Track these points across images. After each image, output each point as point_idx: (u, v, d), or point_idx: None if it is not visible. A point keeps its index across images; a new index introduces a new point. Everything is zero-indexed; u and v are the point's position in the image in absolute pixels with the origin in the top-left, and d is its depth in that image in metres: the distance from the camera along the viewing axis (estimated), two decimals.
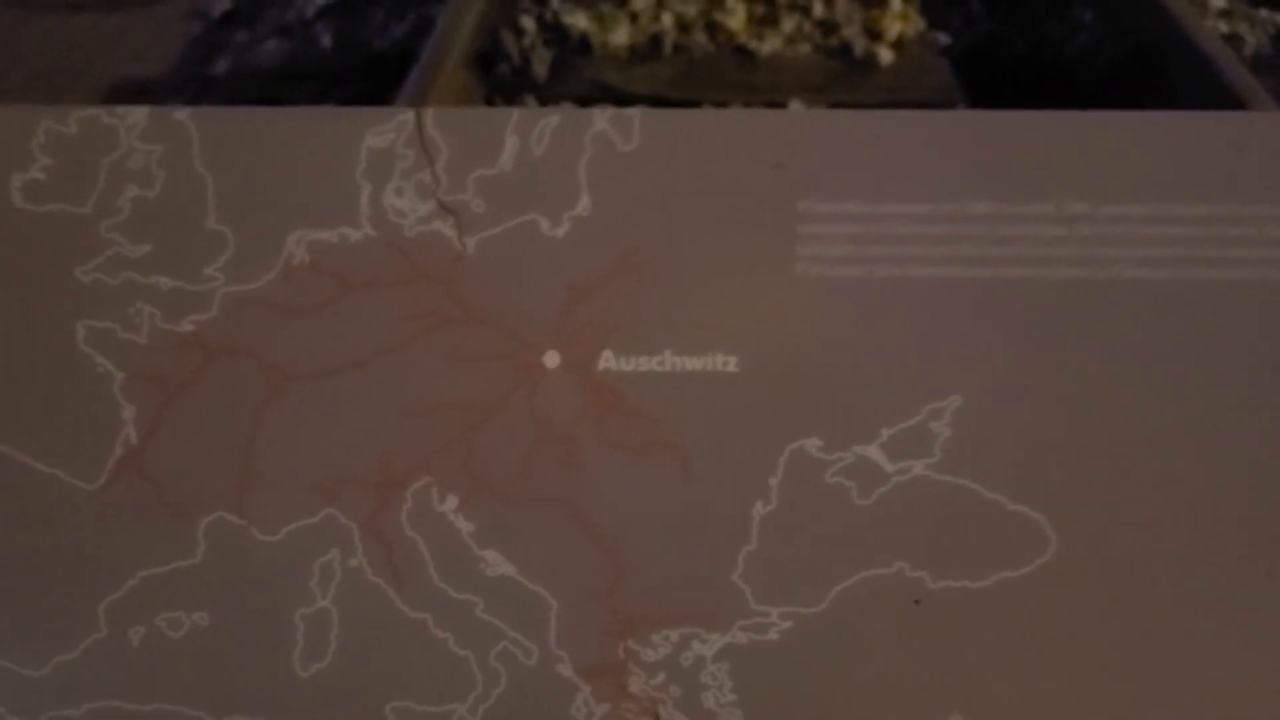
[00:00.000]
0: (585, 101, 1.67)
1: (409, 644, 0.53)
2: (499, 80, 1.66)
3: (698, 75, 1.72)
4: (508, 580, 0.53)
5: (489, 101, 1.66)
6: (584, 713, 0.52)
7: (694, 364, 0.51)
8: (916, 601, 0.51)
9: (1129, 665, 0.53)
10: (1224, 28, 1.72)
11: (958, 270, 0.50)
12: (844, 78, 1.70)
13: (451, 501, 0.53)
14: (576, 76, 1.71)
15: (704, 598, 0.53)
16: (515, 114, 0.49)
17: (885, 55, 1.71)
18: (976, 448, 0.52)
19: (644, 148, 0.49)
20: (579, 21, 1.83)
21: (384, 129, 0.50)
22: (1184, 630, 0.52)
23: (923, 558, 0.53)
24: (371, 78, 1.61)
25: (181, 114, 0.52)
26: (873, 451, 0.52)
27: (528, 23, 1.81)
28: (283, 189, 0.51)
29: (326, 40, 1.78)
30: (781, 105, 1.67)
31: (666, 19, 1.88)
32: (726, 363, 0.51)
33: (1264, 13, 1.78)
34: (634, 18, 1.90)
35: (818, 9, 1.89)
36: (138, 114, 0.53)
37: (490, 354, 0.51)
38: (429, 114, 0.49)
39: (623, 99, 1.67)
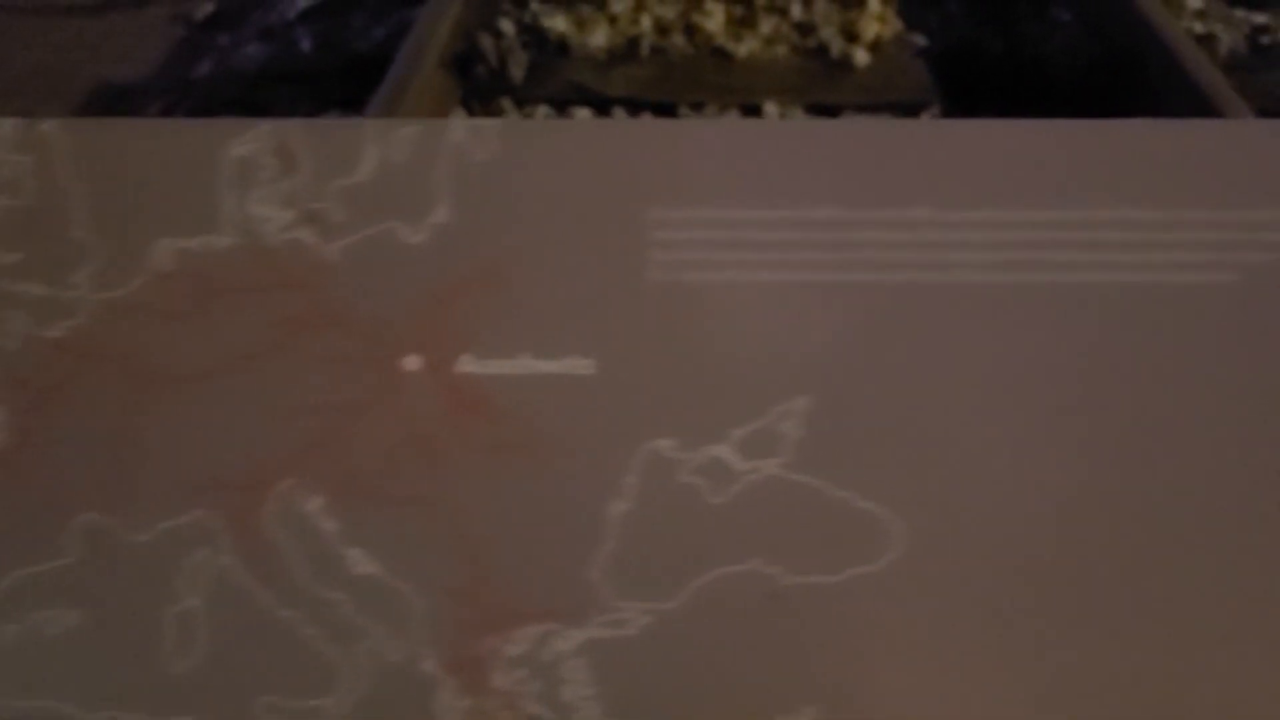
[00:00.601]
0: (562, 104, 1.68)
1: (277, 641, 0.54)
2: (476, 83, 1.67)
3: (674, 77, 1.72)
4: (372, 578, 0.53)
5: (465, 104, 1.67)
6: (447, 707, 0.53)
7: (551, 367, 0.52)
8: (771, 597, 0.51)
9: (982, 655, 0.53)
10: (1199, 28, 1.72)
11: (806, 274, 0.51)
12: (820, 79, 1.71)
13: (317, 502, 0.54)
14: (554, 79, 1.72)
15: (563, 594, 0.54)
16: (374, 125, 0.50)
17: (861, 57, 1.71)
18: (825, 447, 0.53)
19: (501, 158, 0.50)
20: (558, 24, 1.83)
21: (247, 139, 0.51)
22: (1036, 618, 0.53)
23: (777, 554, 0.53)
24: (351, 80, 1.62)
25: (49, 125, 0.53)
26: (725, 451, 0.53)
27: (506, 26, 1.82)
28: (149, 198, 0.52)
29: (306, 43, 1.80)
30: (757, 107, 1.67)
31: (645, 21, 1.89)
32: (582, 365, 0.52)
33: (1239, 12, 1.77)
34: (613, 20, 1.91)
35: (796, 11, 1.89)
36: (6, 125, 0.54)
37: (353, 358, 0.52)
38: (291, 125, 0.51)
39: (600, 101, 1.68)
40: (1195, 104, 1.39)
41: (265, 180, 0.51)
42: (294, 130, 0.51)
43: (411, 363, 0.52)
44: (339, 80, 1.69)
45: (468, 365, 0.52)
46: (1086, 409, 0.50)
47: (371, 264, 0.51)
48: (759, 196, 0.50)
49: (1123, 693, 0.51)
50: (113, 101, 1.68)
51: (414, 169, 0.50)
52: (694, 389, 0.52)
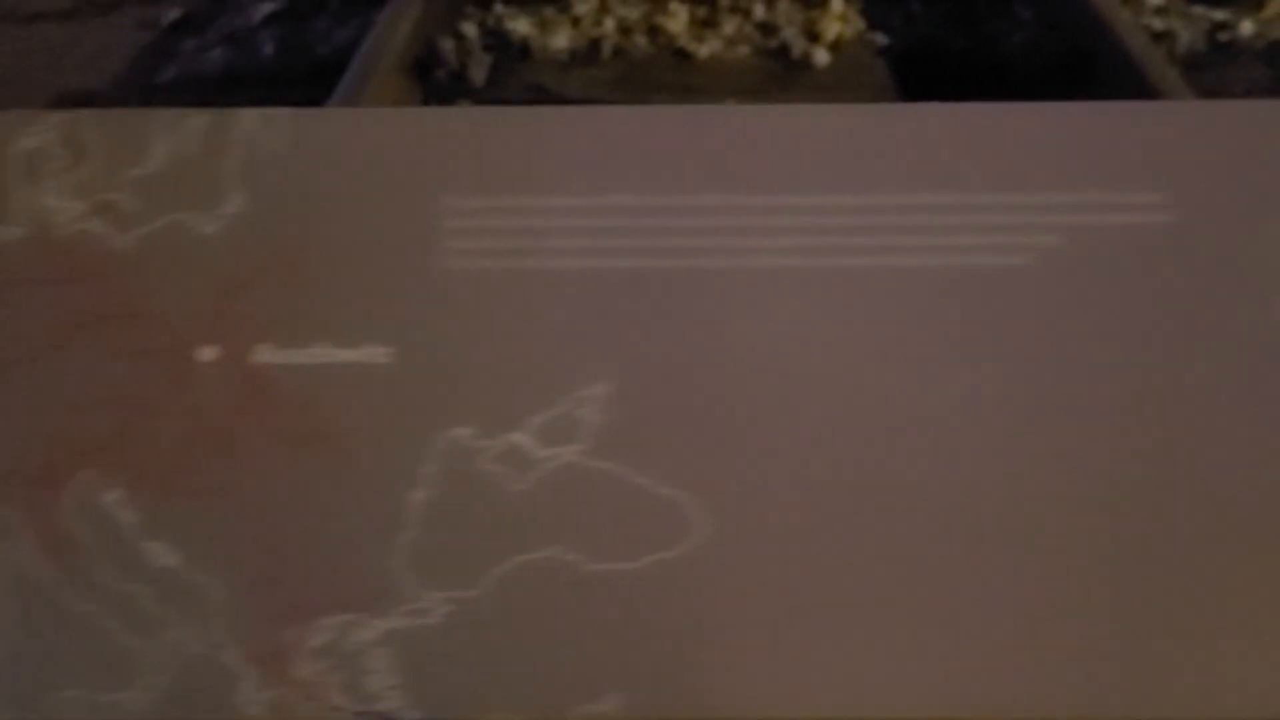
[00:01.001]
0: (522, 105, 1.68)
1: (78, 634, 0.54)
2: (436, 85, 1.68)
3: (635, 78, 1.73)
4: (172, 570, 0.53)
5: (426, 106, 1.68)
6: (249, 699, 0.53)
7: (348, 356, 0.52)
8: (571, 584, 0.51)
9: (782, 640, 0.53)
10: (1159, 24, 1.72)
11: (601, 261, 0.51)
12: (780, 79, 1.71)
13: (115, 494, 0.53)
14: (515, 80, 1.73)
15: (365, 584, 0.54)
16: (164, 115, 0.50)
17: (821, 57, 1.72)
18: (625, 433, 0.53)
19: (295, 148, 0.51)
20: (520, 26, 1.84)
21: (36, 131, 0.51)
22: (836, 603, 0.53)
23: (577, 541, 0.53)
24: (313, 83, 1.63)
25: None
26: (523, 439, 0.53)
27: (469, 28, 1.83)
28: None
29: (269, 47, 1.80)
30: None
31: (609, 23, 1.89)
32: (380, 354, 0.52)
33: (1199, 9, 1.77)
34: (576, 22, 1.92)
35: (758, 11, 1.90)
36: None
37: (148, 349, 0.51)
38: (81, 115, 0.51)
39: (560, 102, 1.68)
40: (1147, 99, 1.39)
41: (56, 171, 0.51)
42: (84, 121, 0.51)
43: (207, 353, 0.52)
44: (301, 84, 1.69)
45: (265, 355, 0.52)
46: (883, 391, 0.50)
47: (165, 255, 0.51)
48: (554, 184, 0.50)
49: (926, 676, 0.51)
50: (75, 107, 1.69)
51: (205, 159, 0.50)
52: (492, 376, 0.52)
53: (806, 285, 0.51)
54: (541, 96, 1.69)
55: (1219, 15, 1.75)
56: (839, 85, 1.68)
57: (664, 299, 0.51)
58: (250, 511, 0.52)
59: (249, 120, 0.51)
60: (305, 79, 1.69)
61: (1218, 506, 0.50)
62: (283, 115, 0.51)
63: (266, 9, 1.90)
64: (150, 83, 1.75)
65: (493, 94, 1.69)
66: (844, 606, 0.52)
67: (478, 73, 1.70)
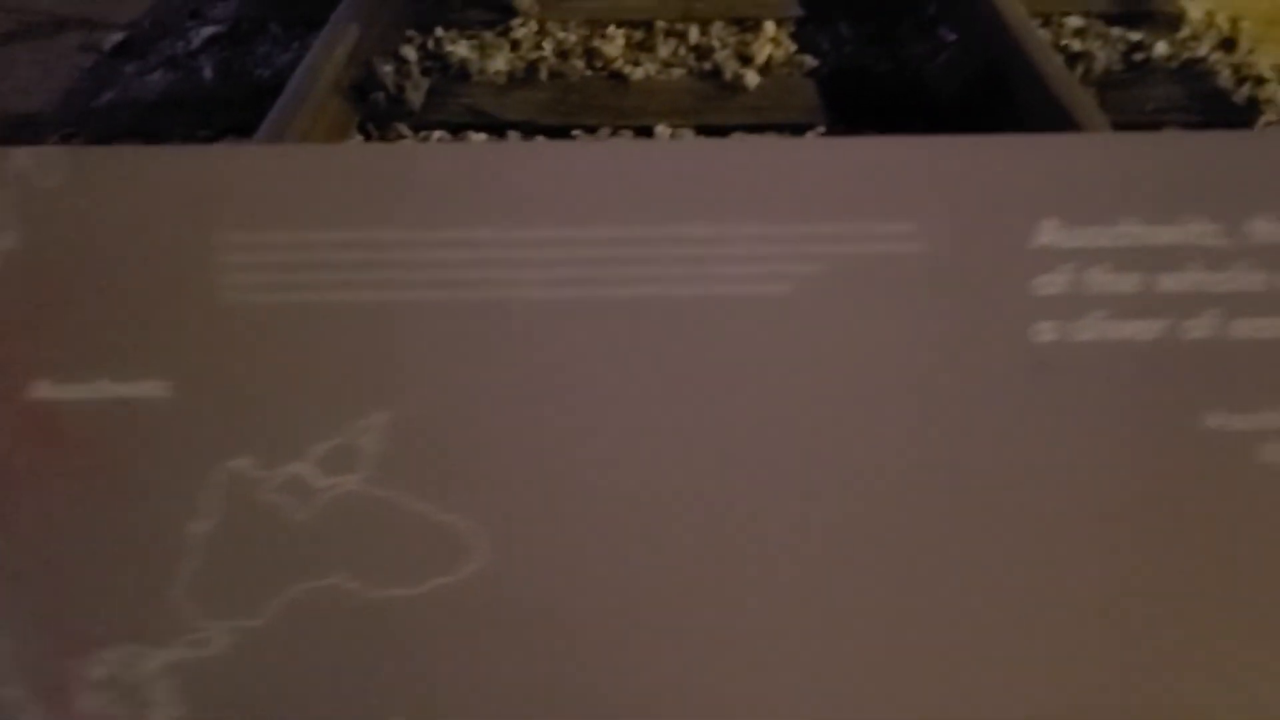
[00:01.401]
0: (459, 128, 1.71)
1: None
2: (373, 109, 1.70)
3: (571, 100, 1.76)
4: None
5: (362, 130, 1.70)
6: None
7: (127, 390, 0.53)
8: (353, 610, 0.53)
9: (559, 662, 0.55)
10: (1077, 45, 1.77)
11: (376, 294, 0.53)
12: (712, 101, 1.75)
13: None
14: (452, 104, 1.75)
15: (146, 616, 0.54)
16: None
17: (752, 79, 1.76)
18: (404, 461, 0.54)
19: (69, 184, 0.51)
20: (460, 50, 1.87)
21: None
22: (620, 628, 0.55)
23: (359, 568, 0.54)
24: (251, 106, 1.64)
25: None
26: (304, 468, 0.54)
27: (409, 52, 1.85)
28: None
29: (208, 71, 1.82)
30: (649, 129, 1.71)
31: (547, 46, 1.93)
32: (159, 388, 0.53)
33: (1116, 30, 1.83)
34: (515, 46, 1.95)
35: (693, 35, 1.94)
36: None
37: None
38: None
39: (497, 125, 1.71)
40: (1057, 119, 1.44)
41: None
42: None
43: None
44: (239, 107, 1.71)
45: (42, 391, 0.53)
46: (652, 417, 0.52)
47: None
48: (326, 219, 0.51)
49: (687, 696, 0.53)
50: (12, 131, 1.69)
51: None
52: (272, 408, 0.53)
53: (575, 316, 0.52)
54: (479, 119, 1.71)
55: (1135, 36, 1.81)
56: (769, 106, 1.72)
57: (440, 329, 0.52)
58: (30, 545, 0.53)
59: (21, 158, 0.52)
60: (243, 102, 1.71)
61: (971, 526, 0.54)
62: (56, 153, 0.52)
63: (207, 33, 1.92)
64: (88, 107, 1.76)
65: (430, 117, 1.71)
66: (625, 627, 0.54)
67: (415, 96, 1.73)
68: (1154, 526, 0.54)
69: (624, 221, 0.52)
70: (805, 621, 0.54)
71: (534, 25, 1.95)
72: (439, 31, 1.92)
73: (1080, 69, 1.71)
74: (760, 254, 0.51)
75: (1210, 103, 1.63)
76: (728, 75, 1.77)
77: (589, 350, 0.53)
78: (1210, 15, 1.92)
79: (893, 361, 0.53)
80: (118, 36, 1.98)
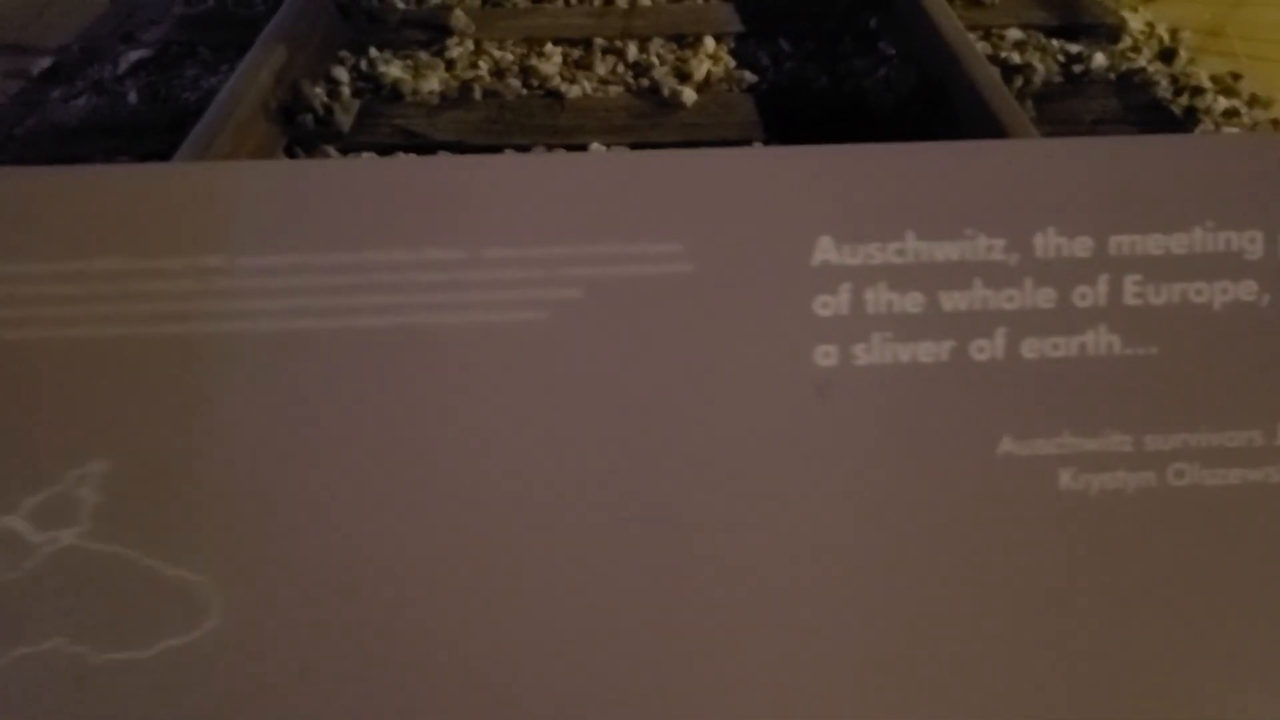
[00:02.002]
0: (389, 150, 1.67)
1: None
2: (301, 131, 1.66)
3: (505, 120, 1.73)
4: None
5: (289, 152, 1.66)
6: None
7: None
8: (78, 677, 0.48)
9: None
10: (1017, 58, 1.76)
11: (92, 329, 0.48)
12: (648, 118, 1.72)
13: None
14: (384, 125, 1.72)
15: None
16: None
17: (689, 95, 1.73)
18: (129, 512, 0.49)
19: None
20: (393, 70, 1.83)
21: None
22: (370, 687, 0.50)
23: (83, 630, 0.49)
24: (175, 131, 1.60)
25: None
26: (17, 523, 0.49)
27: (340, 73, 1.82)
28: None
29: (134, 95, 1.78)
30: (583, 148, 1.68)
31: (483, 65, 1.90)
32: None
33: (1056, 42, 1.82)
34: (450, 65, 1.92)
35: (632, 52, 1.91)
36: None
37: None
38: None
39: (428, 146, 1.67)
40: (992, 131, 1.42)
41: None
42: None
43: None
44: (162, 131, 1.66)
45: None
46: (394, 461, 0.48)
47: None
48: (54, 250, 0.47)
49: None
50: None
51: None
52: None
53: (311, 349, 0.48)
54: (410, 141, 1.68)
55: (1074, 48, 1.79)
56: (707, 123, 1.69)
57: (163, 368, 0.48)
58: None
59: None
60: (167, 127, 1.66)
61: (751, 559, 0.50)
62: None
63: (134, 57, 1.88)
64: (8, 134, 1.71)
65: (359, 139, 1.68)
66: (377, 688, 0.50)
67: (344, 117, 1.69)
68: (945, 561, 0.51)
69: (361, 246, 0.47)
70: (541, 676, 0.49)
71: (470, 44, 1.92)
72: (373, 52, 1.88)
73: (1019, 81, 1.69)
74: (511, 278, 0.47)
75: (1148, 114, 1.62)
76: (665, 92, 1.74)
77: (327, 386, 0.48)
78: (1151, 26, 1.91)
79: (658, 392, 0.49)
80: (46, 62, 1.94)
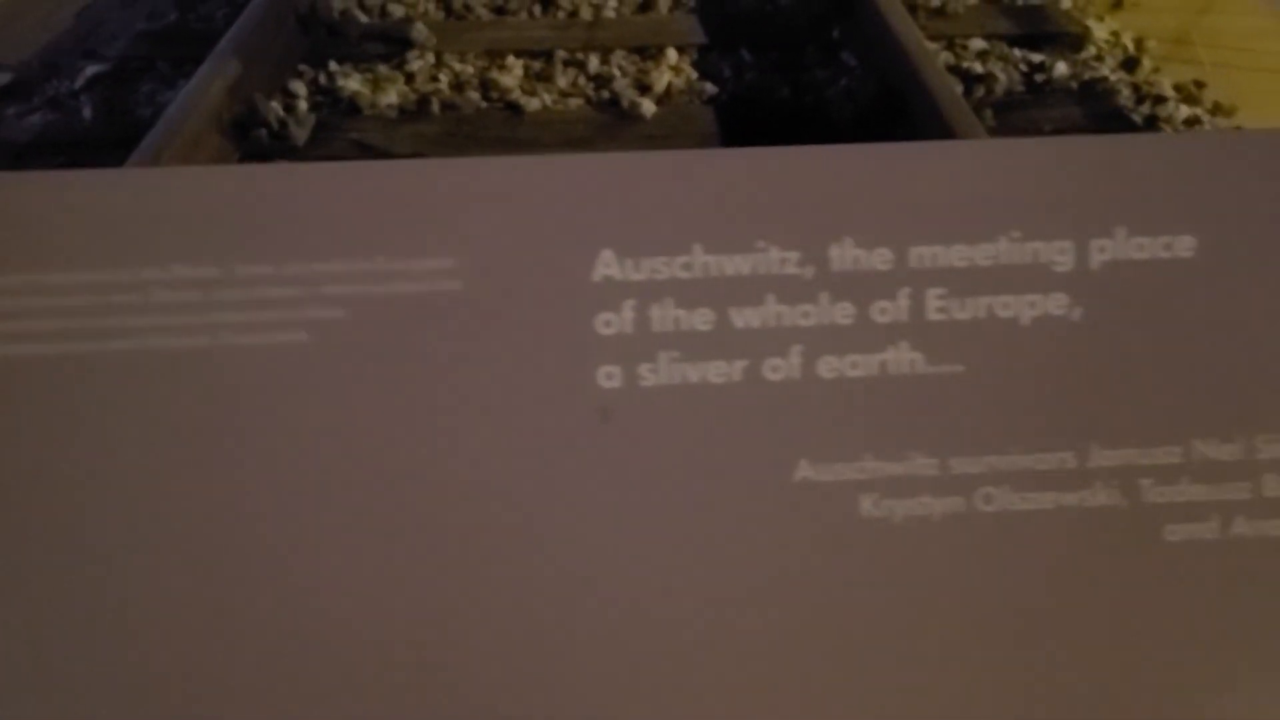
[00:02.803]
0: (345, 161, 1.65)
1: None
2: (255, 145, 1.65)
3: (463, 132, 1.71)
4: None
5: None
6: None
7: None
8: None
9: None
10: (980, 68, 1.74)
11: None
12: (607, 130, 1.70)
13: None
14: (340, 139, 1.70)
15: None
16: None
17: (648, 107, 1.72)
18: None
19: None
20: (351, 84, 1.82)
21: None
22: None
23: None
24: (129, 145, 1.58)
25: None
26: None
27: (298, 86, 1.80)
28: None
29: (88, 111, 1.76)
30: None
31: (443, 78, 1.88)
32: None
33: (1018, 52, 1.80)
34: (410, 78, 1.90)
35: (593, 64, 1.90)
36: None
37: None
38: None
39: (384, 159, 1.66)
40: (945, 138, 1.40)
41: None
42: None
43: None
44: (116, 146, 1.64)
45: None
46: (138, 496, 0.44)
47: None
48: None
49: None
50: None
51: None
52: None
53: (46, 375, 0.45)
54: (365, 154, 1.66)
55: (1036, 57, 1.78)
56: (666, 134, 1.68)
57: None
58: None
59: None
60: (122, 141, 1.64)
61: (547, 586, 0.47)
62: None
63: (91, 72, 1.86)
64: None
65: (315, 152, 1.66)
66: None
67: (299, 131, 1.67)
68: (738, 593, 0.48)
69: (100, 264, 0.44)
70: None
71: (431, 57, 1.91)
72: (333, 65, 1.87)
73: (981, 91, 1.67)
74: (268, 298, 0.45)
75: (1108, 122, 1.60)
76: (625, 104, 1.73)
77: (65, 414, 0.45)
78: (1116, 35, 1.90)
79: (427, 419, 0.46)
80: (6, 78, 1.92)
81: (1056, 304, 0.49)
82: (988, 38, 1.85)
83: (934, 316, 0.48)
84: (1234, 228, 0.49)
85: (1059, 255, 0.49)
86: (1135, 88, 1.68)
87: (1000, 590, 0.47)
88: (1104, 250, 0.49)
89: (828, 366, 0.48)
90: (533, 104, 1.76)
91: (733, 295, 0.47)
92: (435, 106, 1.75)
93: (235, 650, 0.46)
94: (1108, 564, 0.48)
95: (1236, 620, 0.48)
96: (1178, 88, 1.69)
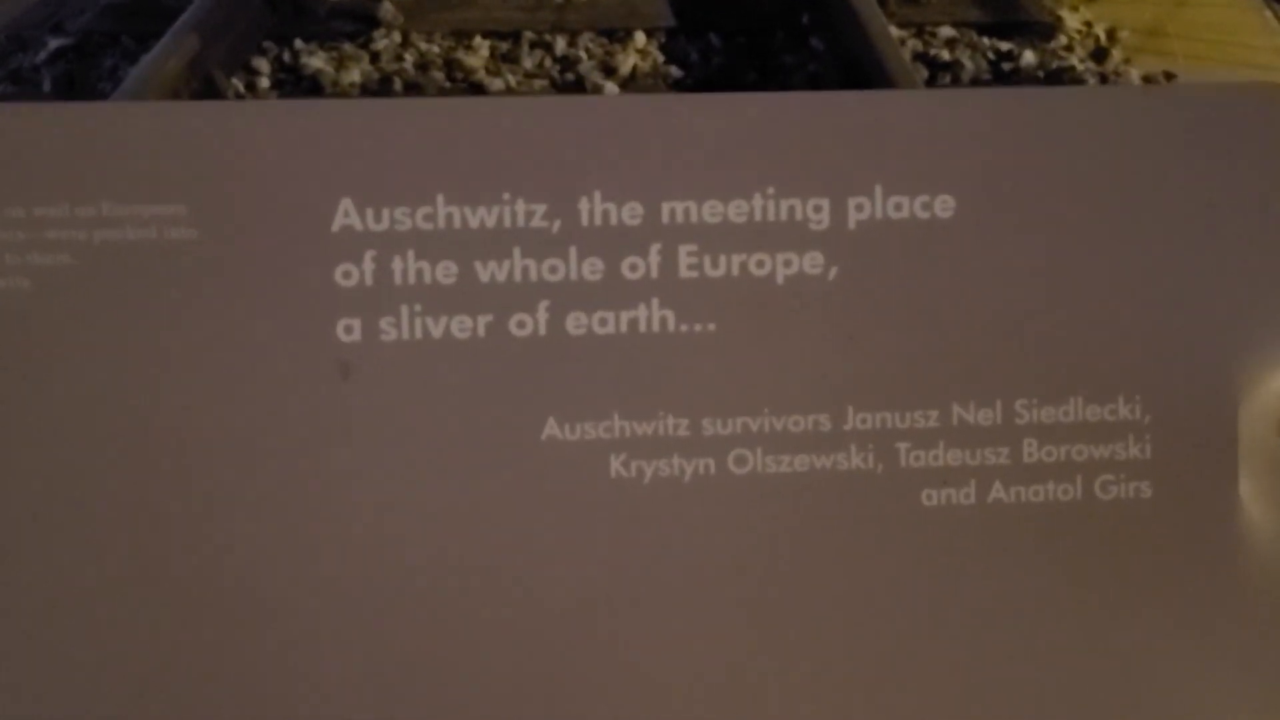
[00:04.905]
0: None
1: None
2: None
3: None
4: None
5: None
6: None
7: None
8: None
9: None
10: (947, 55, 1.73)
11: None
12: None
13: None
14: None
15: None
16: None
17: (610, 89, 1.70)
18: None
19: None
20: (315, 62, 1.80)
21: None
22: None
23: None
24: None
25: None
26: None
27: (261, 64, 1.79)
28: None
29: (47, 84, 1.75)
30: None
31: (409, 58, 1.87)
32: None
33: (987, 40, 1.79)
34: (375, 58, 1.89)
35: (560, 45, 1.88)
36: None
37: None
38: None
39: None
40: None
41: None
42: None
43: None
44: None
45: None
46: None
47: None
48: None
49: None
50: None
51: None
52: None
53: None
54: None
55: (1004, 46, 1.76)
56: None
57: None
58: None
59: None
60: None
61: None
62: None
63: (54, 45, 1.85)
64: None
65: None
66: None
67: None
68: (487, 552, 0.47)
69: None
70: None
71: (397, 36, 1.89)
72: (298, 43, 1.85)
73: (946, 79, 1.66)
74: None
75: None
76: (589, 87, 1.71)
77: None
78: (1088, 25, 1.88)
79: (161, 370, 0.45)
80: None
81: (812, 263, 0.48)
82: (957, 25, 1.83)
83: (686, 274, 0.47)
84: (994, 189, 0.48)
85: (814, 213, 0.48)
86: (1102, 77, 1.67)
87: (752, 553, 0.47)
88: (861, 209, 0.48)
89: (576, 323, 0.47)
90: (496, 84, 1.74)
91: (478, 249, 0.46)
92: (398, 86, 1.74)
93: None
94: (863, 529, 0.47)
95: (992, 587, 0.47)
96: (1146, 78, 1.67)
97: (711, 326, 0.47)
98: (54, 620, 0.44)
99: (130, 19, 1.98)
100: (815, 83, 1.66)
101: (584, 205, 0.47)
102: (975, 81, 1.67)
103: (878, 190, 0.48)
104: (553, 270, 0.47)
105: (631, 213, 0.47)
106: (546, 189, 0.46)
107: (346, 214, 0.46)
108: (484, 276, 0.46)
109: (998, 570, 0.47)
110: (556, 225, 0.47)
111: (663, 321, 0.47)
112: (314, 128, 0.46)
